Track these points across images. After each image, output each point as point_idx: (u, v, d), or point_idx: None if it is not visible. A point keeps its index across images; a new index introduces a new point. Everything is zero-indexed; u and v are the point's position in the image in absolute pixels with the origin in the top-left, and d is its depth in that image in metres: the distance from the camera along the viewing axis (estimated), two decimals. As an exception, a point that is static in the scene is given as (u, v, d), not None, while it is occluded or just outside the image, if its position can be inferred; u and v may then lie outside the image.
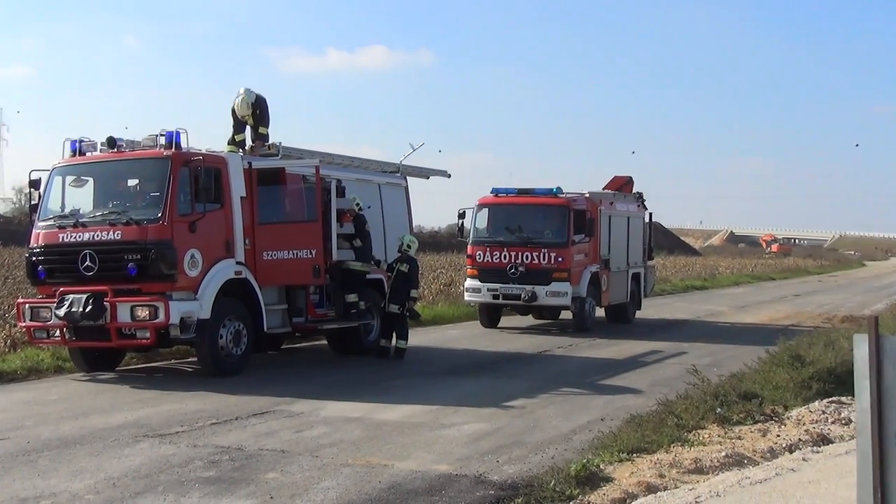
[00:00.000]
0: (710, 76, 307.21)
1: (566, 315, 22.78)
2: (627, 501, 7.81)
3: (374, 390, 13.56)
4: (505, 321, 23.28)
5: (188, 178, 13.98)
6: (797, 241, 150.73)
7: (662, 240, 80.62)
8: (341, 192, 16.66)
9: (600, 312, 23.72)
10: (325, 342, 18.08)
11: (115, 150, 14.72)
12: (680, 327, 24.34)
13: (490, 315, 22.82)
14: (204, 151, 14.67)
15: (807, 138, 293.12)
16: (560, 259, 21.50)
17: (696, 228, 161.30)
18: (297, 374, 15.33)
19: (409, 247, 17.22)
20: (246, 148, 16.27)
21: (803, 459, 8.77)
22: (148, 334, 13.74)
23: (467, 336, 21.00)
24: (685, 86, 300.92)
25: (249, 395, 12.80)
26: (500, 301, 22.15)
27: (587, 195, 23.08)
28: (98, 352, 14.84)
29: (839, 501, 7.11)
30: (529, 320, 23.81)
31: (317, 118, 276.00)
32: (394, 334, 17.14)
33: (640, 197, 25.97)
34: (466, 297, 22.84)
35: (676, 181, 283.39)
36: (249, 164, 15.23)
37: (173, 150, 14.13)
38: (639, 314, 25.32)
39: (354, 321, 16.81)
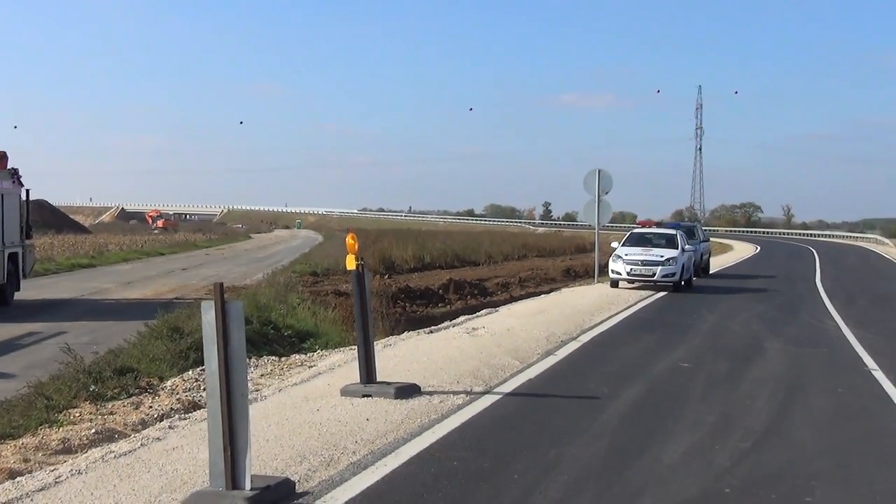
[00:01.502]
0: (107, 56, 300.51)
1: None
2: (-14, 491, 7.43)
3: None
4: None
5: None
6: (188, 216, 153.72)
7: (50, 218, 77.67)
8: None
9: (-26, 296, 22.26)
10: None
11: None
12: (62, 307, 23.61)
13: None
14: None
15: (196, 116, 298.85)
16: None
17: (86, 206, 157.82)
18: None
19: None
20: None
21: (170, 427, 8.99)
22: None
23: None
24: (74, 62, 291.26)
25: None
26: None
27: (-46, 171, 21.47)
28: None
29: (200, 463, 7.40)
30: None
31: None
32: None
33: (15, 173, 24.64)
34: None
35: (66, 158, 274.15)
36: None
37: None
38: (18, 295, 24.12)
39: None
